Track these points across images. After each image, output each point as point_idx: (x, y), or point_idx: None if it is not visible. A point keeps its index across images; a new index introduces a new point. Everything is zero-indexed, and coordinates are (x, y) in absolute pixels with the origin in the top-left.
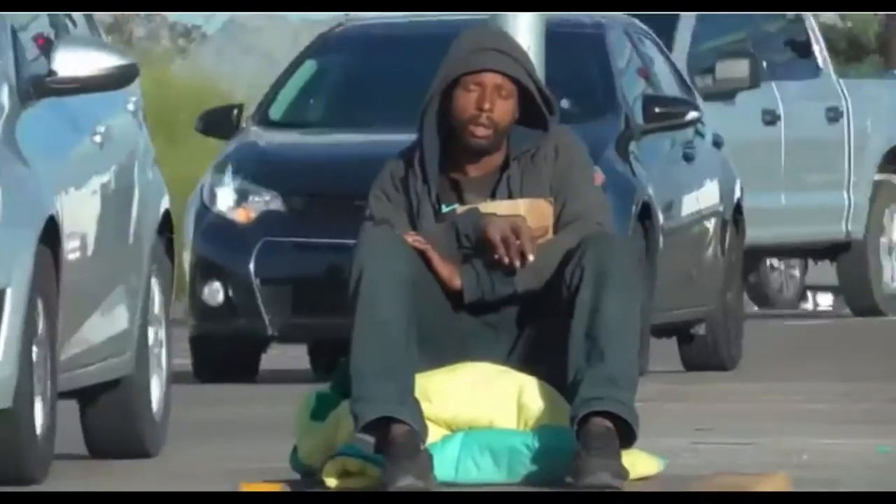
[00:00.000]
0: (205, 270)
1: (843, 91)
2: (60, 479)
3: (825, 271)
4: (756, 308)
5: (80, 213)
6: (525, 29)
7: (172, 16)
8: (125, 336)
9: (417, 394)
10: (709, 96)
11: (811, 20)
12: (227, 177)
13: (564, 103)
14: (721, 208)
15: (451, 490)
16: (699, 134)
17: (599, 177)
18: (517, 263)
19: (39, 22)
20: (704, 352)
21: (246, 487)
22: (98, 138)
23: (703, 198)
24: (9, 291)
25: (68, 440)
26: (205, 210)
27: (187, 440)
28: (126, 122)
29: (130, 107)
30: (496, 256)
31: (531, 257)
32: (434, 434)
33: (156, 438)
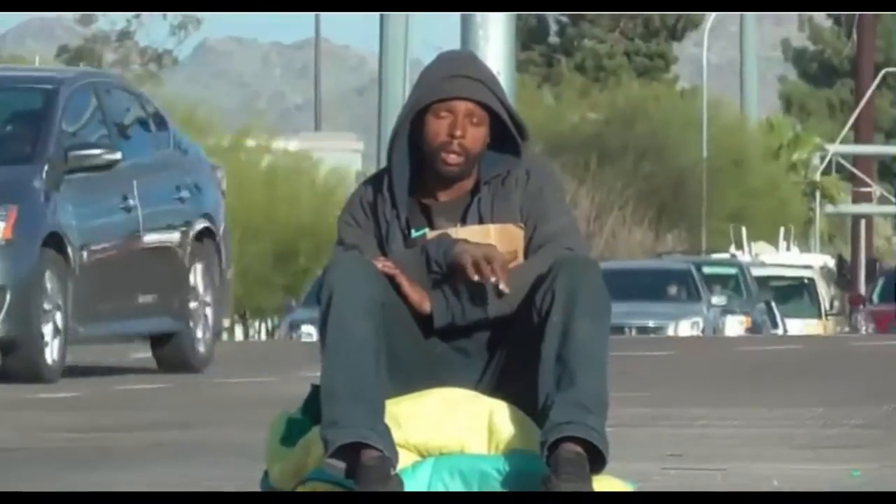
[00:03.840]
0: None
1: None
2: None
3: None
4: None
5: None
6: (495, 55)
7: (144, 41)
8: None
9: (388, 419)
10: None
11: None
12: None
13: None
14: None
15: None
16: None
17: (13, 214)
18: (491, 292)
19: None
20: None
21: None
22: None
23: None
24: None
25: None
26: None
27: (158, 462)
28: None
29: None
30: (468, 282)
31: (504, 287)
32: (405, 460)
33: None
